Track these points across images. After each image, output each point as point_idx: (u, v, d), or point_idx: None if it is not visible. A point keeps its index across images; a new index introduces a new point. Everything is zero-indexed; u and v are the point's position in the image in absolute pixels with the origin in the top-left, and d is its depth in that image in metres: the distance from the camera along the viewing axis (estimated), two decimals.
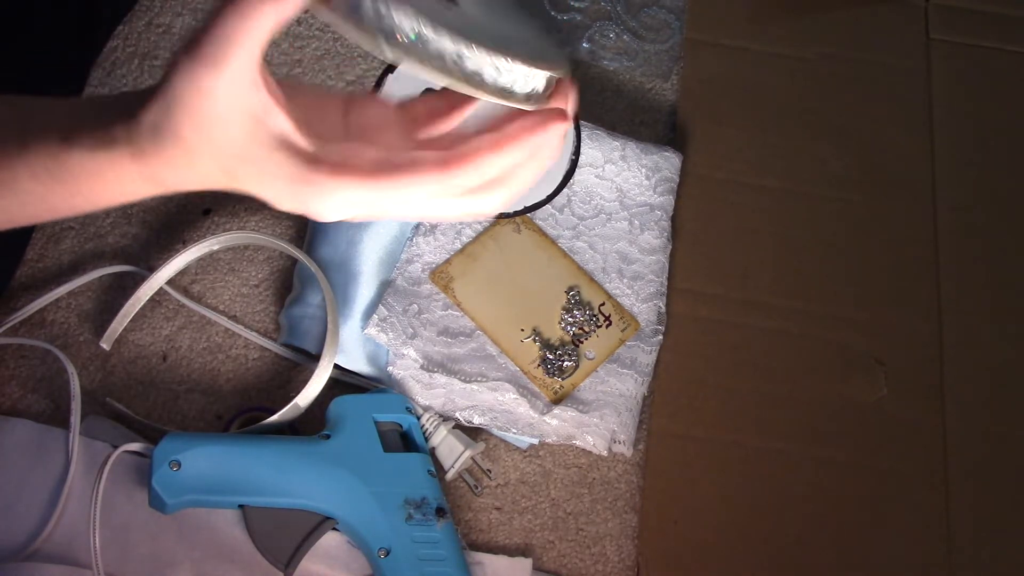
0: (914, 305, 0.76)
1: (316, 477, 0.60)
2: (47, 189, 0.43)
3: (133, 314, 0.68)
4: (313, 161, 0.40)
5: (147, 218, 0.72)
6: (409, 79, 0.72)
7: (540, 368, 0.69)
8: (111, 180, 0.42)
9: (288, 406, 0.64)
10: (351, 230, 0.70)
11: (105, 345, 0.67)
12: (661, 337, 0.71)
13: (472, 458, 0.66)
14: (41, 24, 0.71)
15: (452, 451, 0.65)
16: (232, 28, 0.37)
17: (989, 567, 0.68)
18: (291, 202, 0.41)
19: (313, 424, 0.65)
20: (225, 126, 0.39)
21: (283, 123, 0.40)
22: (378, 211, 0.42)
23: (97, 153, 0.41)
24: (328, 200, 0.41)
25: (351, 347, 0.68)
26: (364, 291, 0.69)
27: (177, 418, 0.67)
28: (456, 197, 0.43)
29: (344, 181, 0.40)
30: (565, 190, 0.73)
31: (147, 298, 0.68)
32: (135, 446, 0.62)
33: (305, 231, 0.72)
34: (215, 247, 0.70)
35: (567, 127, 0.44)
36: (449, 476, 0.65)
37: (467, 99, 0.46)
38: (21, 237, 0.70)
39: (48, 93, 0.45)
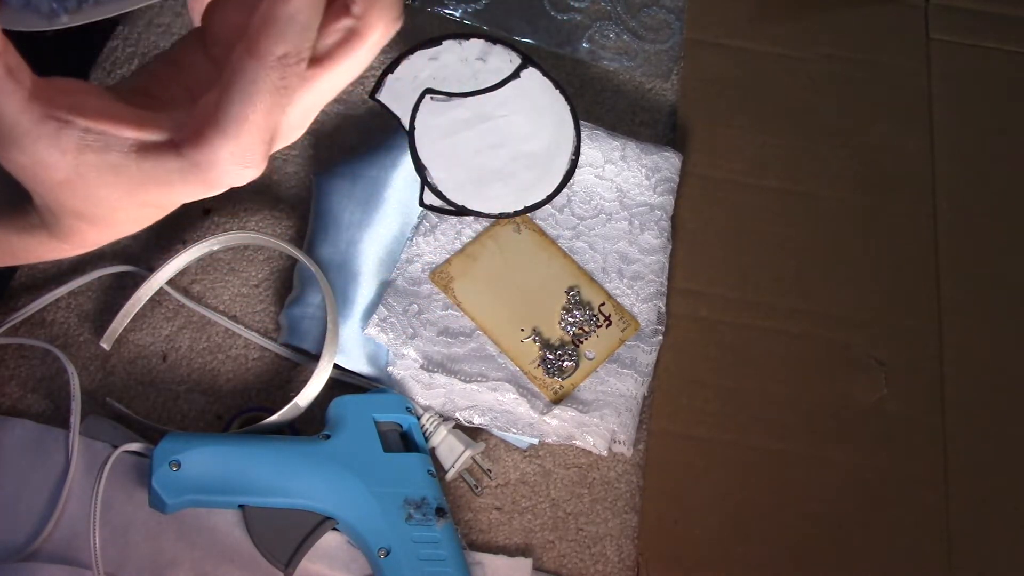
0: (914, 305, 0.76)
1: (316, 477, 0.60)
2: None
3: (133, 314, 0.68)
4: (175, 148, 0.35)
5: None
6: (408, 81, 0.72)
7: (540, 368, 0.69)
8: (40, 251, 0.41)
9: (288, 406, 0.64)
10: (351, 230, 0.70)
11: (105, 345, 0.67)
12: (661, 337, 0.71)
13: (472, 458, 0.66)
14: None
15: (452, 451, 0.65)
16: None
17: (989, 567, 0.68)
18: (204, 194, 0.36)
19: (313, 424, 0.65)
20: (81, 187, 0.35)
21: (130, 135, 0.35)
22: (277, 140, 0.37)
23: (23, 235, 0.39)
24: (224, 173, 0.35)
25: (351, 347, 0.68)
26: (364, 291, 0.69)
27: (177, 418, 0.67)
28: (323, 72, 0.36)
29: (219, 146, 0.34)
30: (565, 190, 0.73)
31: (147, 298, 0.68)
32: (135, 446, 0.62)
33: (305, 231, 0.72)
34: (215, 247, 0.70)
35: None
36: (449, 476, 0.65)
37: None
38: None
39: None
